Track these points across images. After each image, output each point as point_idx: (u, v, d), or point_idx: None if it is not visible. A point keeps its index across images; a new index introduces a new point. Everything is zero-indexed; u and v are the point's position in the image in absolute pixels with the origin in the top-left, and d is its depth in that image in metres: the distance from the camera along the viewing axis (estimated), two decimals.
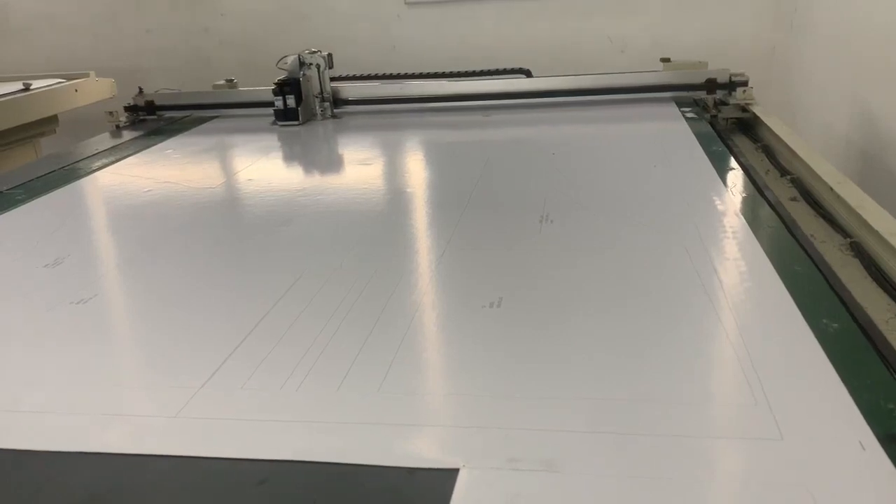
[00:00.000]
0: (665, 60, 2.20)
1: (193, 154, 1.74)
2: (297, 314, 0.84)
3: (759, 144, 1.50)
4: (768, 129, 1.52)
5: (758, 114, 1.63)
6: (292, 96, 1.93)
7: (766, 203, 1.14)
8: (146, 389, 0.72)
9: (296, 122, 1.94)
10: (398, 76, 2.11)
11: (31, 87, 2.30)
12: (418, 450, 0.60)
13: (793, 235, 1.00)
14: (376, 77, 2.13)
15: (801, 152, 1.29)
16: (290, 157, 1.74)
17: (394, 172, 1.55)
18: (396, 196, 1.34)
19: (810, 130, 2.20)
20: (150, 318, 0.89)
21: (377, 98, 2.04)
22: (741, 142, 1.56)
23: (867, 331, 0.74)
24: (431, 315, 0.83)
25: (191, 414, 0.66)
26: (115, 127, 2.06)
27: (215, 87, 2.29)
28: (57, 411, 0.68)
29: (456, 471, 0.56)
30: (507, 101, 1.95)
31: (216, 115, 2.12)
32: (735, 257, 0.93)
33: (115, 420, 0.66)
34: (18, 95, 2.24)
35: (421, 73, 2.09)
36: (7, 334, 0.85)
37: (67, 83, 2.44)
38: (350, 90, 2.05)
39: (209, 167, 1.64)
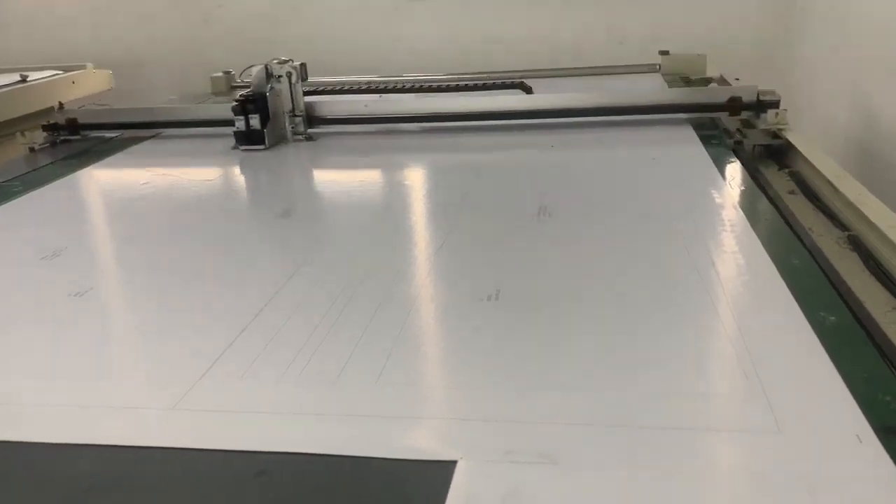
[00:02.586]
0: (664, 53, 2.20)
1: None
2: (295, 305, 0.84)
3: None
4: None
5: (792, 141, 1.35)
6: (257, 116, 1.58)
7: (764, 196, 1.14)
8: (144, 381, 0.72)
9: (261, 147, 1.59)
10: (383, 90, 1.85)
11: (28, 79, 2.29)
12: (416, 442, 0.60)
13: (791, 229, 1.00)
14: (358, 91, 1.87)
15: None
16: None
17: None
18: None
19: (810, 124, 2.20)
20: (147, 309, 0.89)
21: (358, 116, 1.70)
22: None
23: (864, 324, 0.74)
24: (429, 307, 0.83)
25: (189, 405, 0.66)
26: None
27: (213, 79, 2.29)
28: (54, 403, 0.68)
29: (454, 463, 0.56)
30: (505, 121, 1.64)
31: (156, 133, 1.79)
32: (733, 250, 0.93)
33: (113, 412, 0.66)
34: (15, 87, 2.23)
35: (410, 87, 1.84)
36: (4, 326, 0.85)
37: (65, 75, 2.44)
38: (327, 106, 1.71)
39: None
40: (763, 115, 1.47)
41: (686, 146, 1.44)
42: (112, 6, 2.97)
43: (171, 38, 2.96)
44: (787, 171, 1.26)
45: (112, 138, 1.78)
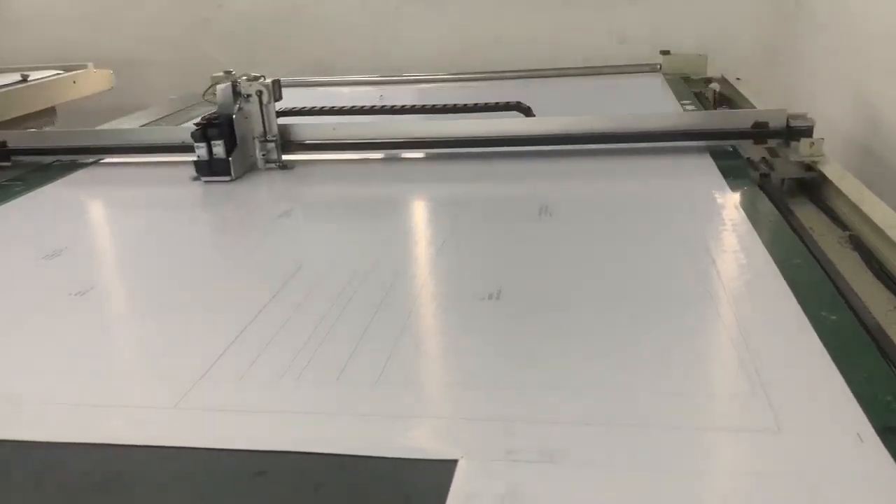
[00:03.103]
0: (664, 53, 2.21)
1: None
2: (296, 304, 0.84)
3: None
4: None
5: (827, 174, 1.16)
6: (221, 142, 1.34)
7: (765, 196, 1.13)
8: (145, 380, 0.72)
9: (227, 178, 1.35)
10: (370, 110, 1.60)
11: (29, 79, 2.29)
12: (417, 441, 0.60)
13: (792, 228, 1.00)
14: (340, 112, 1.60)
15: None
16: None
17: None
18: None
19: None
20: (148, 308, 0.89)
21: (341, 141, 1.46)
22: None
23: (866, 323, 0.74)
24: (430, 306, 0.83)
25: (189, 404, 0.66)
26: None
27: (213, 79, 2.28)
28: (56, 402, 0.68)
29: (455, 462, 0.56)
30: (502, 148, 1.43)
31: (97, 159, 1.57)
32: (735, 250, 0.93)
33: (114, 410, 0.66)
34: (16, 87, 2.23)
35: (402, 107, 1.60)
36: (6, 326, 0.85)
37: (65, 74, 2.43)
38: (304, 130, 1.46)
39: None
40: (794, 144, 1.26)
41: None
42: (113, 6, 2.97)
43: (171, 38, 2.96)
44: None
45: (49, 164, 1.55)
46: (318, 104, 1.65)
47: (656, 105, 1.82)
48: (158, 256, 1.05)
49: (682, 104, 1.76)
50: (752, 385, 0.64)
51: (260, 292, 0.87)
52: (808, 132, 1.26)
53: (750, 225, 1.00)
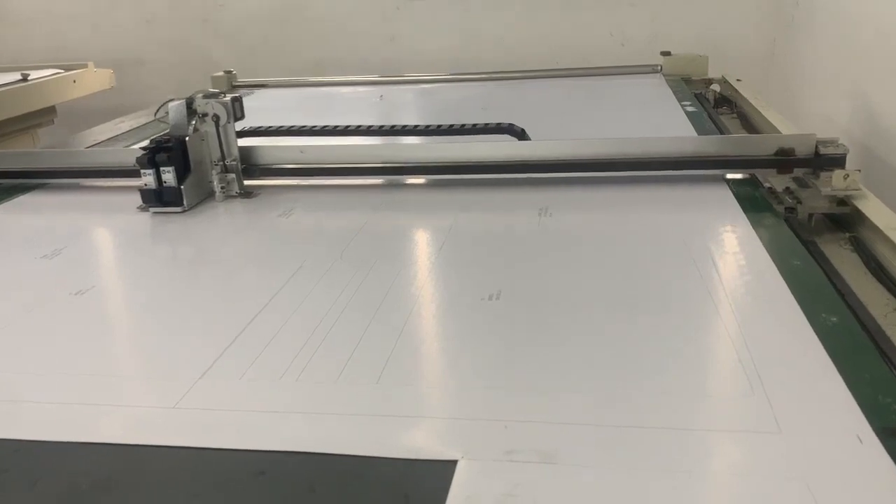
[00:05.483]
0: (665, 54, 2.21)
1: None
2: (296, 305, 0.84)
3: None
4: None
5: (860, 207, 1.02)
6: (171, 168, 1.17)
7: (765, 197, 1.13)
8: (145, 380, 0.72)
9: (178, 209, 1.19)
10: (343, 131, 1.43)
11: (30, 78, 2.30)
12: (417, 441, 0.60)
13: (792, 230, 1.00)
14: (311, 132, 1.43)
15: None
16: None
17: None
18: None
19: (810, 124, 2.20)
20: (148, 308, 0.89)
21: (309, 165, 1.29)
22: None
23: (866, 325, 0.74)
24: (430, 307, 0.83)
25: (189, 405, 0.66)
26: None
27: (213, 79, 2.28)
28: (56, 402, 0.68)
29: (454, 462, 0.56)
30: (495, 175, 1.26)
31: (39, 184, 1.39)
32: (734, 251, 0.93)
33: (114, 411, 0.66)
34: (16, 86, 2.24)
35: (381, 128, 1.44)
36: (6, 325, 0.85)
37: (66, 74, 2.44)
38: (268, 153, 1.29)
39: None
40: (824, 175, 1.08)
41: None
42: (113, 6, 2.98)
43: (171, 38, 2.96)
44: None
45: None
46: (309, 109, 1.55)
47: (656, 106, 1.82)
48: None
49: (683, 105, 1.76)
50: (753, 386, 0.64)
51: (262, 291, 0.87)
52: (840, 161, 1.12)
53: (749, 226, 1.00)
